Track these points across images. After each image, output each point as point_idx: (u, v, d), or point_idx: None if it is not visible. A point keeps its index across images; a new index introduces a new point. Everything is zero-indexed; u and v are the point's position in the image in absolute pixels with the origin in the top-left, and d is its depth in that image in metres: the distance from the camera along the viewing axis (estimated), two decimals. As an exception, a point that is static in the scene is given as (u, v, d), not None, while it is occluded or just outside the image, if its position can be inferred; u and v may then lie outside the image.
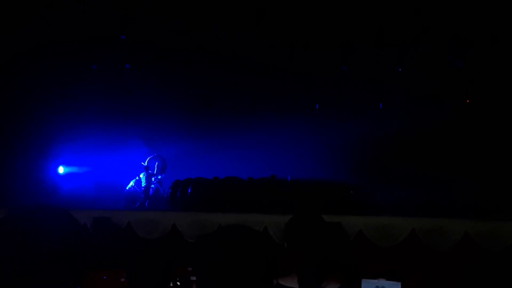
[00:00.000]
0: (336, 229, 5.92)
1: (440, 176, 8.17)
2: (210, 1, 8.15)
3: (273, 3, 8.14)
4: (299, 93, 9.32)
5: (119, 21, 8.29)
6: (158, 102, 9.37)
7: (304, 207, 3.40)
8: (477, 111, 8.62)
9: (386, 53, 8.50)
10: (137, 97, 9.38)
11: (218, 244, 2.15)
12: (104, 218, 6.57)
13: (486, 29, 7.98)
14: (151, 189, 8.55)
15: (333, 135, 9.06)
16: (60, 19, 8.06)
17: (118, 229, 6.54)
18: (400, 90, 8.92)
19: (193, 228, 6.48)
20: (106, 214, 6.67)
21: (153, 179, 8.63)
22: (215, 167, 8.33)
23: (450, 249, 6.13)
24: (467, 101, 8.84)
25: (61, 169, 9.12)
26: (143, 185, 8.54)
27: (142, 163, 8.70)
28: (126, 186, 8.69)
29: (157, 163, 8.79)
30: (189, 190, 7.40)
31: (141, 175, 8.64)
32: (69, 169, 9.21)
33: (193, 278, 5.43)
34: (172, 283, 5.77)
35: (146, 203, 8.43)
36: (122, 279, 5.84)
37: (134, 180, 8.67)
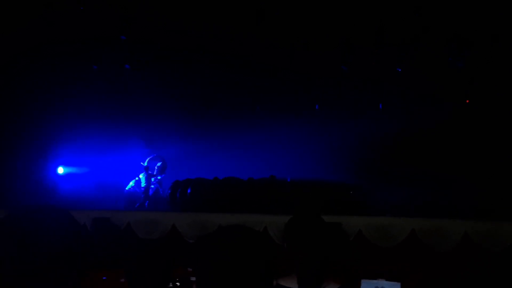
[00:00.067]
0: (336, 229, 5.93)
1: (440, 176, 8.18)
2: (210, 1, 8.15)
3: (273, 3, 8.13)
4: (299, 93, 9.33)
5: (119, 21, 8.29)
6: (158, 102, 9.37)
7: (304, 208, 3.40)
8: (477, 111, 8.62)
9: (386, 53, 8.50)
10: (137, 97, 9.37)
11: (218, 244, 2.15)
12: (104, 218, 6.55)
13: (486, 29, 7.98)
14: (150, 190, 8.55)
15: (333, 135, 9.06)
16: (60, 19, 8.06)
17: (118, 229, 6.53)
18: (400, 90, 8.93)
19: (193, 228, 6.47)
20: (106, 214, 6.66)
21: (152, 179, 8.63)
22: (214, 168, 8.32)
23: (450, 250, 6.13)
24: (467, 101, 8.84)
25: (60, 170, 9.12)
26: (142, 186, 8.54)
27: (142, 163, 8.69)
28: (126, 186, 8.69)
29: (157, 163, 8.79)
30: (188, 191, 7.38)
31: (140, 176, 8.64)
32: (69, 170, 9.20)
33: (193, 278, 5.42)
34: (172, 284, 5.75)
35: (146, 204, 8.43)
36: (122, 280, 5.83)
37: (134, 181, 8.67)
